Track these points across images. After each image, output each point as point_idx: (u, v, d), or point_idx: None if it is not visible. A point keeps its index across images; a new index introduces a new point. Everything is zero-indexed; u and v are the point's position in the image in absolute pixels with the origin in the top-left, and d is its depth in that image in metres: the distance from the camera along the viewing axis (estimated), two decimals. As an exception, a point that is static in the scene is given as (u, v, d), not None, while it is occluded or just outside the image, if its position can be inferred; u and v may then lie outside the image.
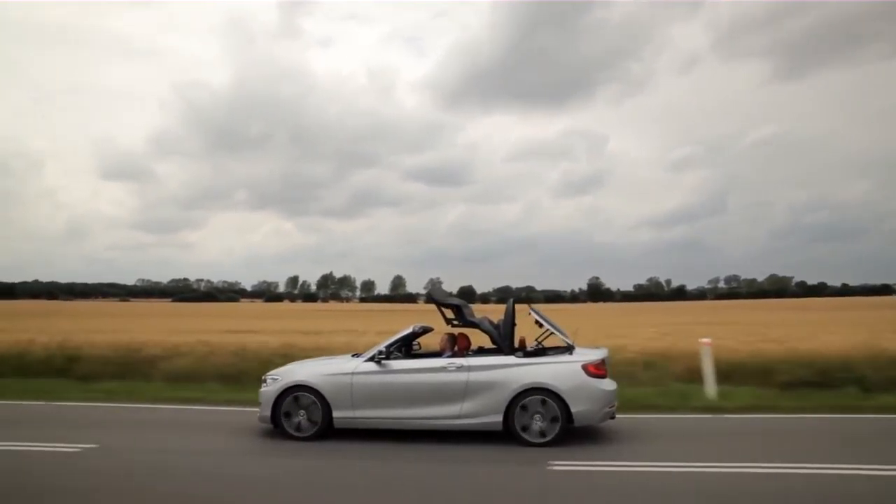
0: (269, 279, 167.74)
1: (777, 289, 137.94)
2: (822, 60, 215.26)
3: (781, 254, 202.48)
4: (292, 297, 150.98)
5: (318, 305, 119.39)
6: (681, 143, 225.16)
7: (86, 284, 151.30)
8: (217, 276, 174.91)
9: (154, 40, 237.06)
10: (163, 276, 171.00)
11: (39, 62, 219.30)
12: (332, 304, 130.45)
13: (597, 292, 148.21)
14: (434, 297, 7.78)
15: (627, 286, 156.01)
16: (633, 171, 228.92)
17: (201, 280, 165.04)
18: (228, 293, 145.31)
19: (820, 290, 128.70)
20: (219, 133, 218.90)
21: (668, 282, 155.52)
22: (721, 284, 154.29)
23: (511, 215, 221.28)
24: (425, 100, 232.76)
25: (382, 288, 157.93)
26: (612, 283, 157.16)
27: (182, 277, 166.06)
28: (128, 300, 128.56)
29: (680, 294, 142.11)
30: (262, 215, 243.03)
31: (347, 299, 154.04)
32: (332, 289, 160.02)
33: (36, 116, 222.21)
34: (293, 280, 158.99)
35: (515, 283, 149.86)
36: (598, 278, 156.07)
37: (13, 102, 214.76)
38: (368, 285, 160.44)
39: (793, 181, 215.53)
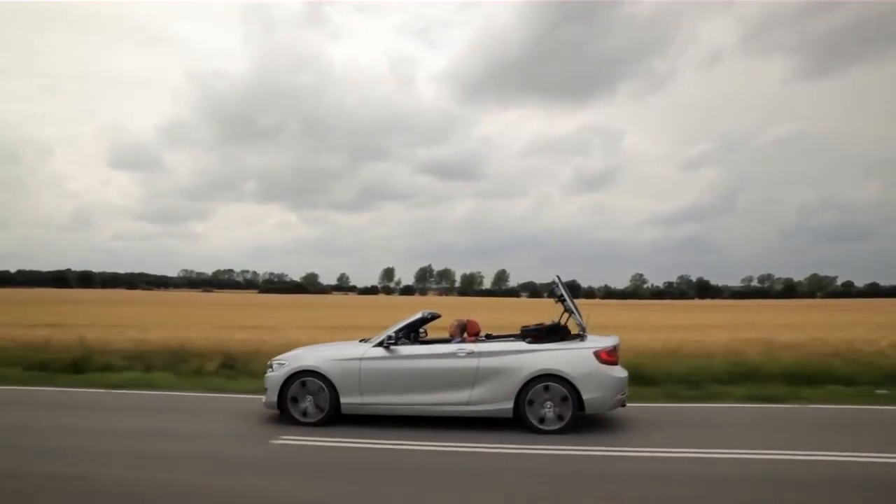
0: (314, 270, 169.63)
1: (817, 288, 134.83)
2: (846, 58, 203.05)
3: (790, 254, 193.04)
4: (388, 290, 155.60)
5: (420, 298, 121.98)
6: (697, 140, 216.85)
7: (117, 274, 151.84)
8: (226, 265, 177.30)
9: (170, 27, 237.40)
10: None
11: (50, 48, 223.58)
12: (432, 297, 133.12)
13: (705, 288, 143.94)
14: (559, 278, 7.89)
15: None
16: (647, 167, 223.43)
17: (246, 271, 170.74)
18: (316, 285, 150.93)
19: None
20: (232, 123, 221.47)
21: (700, 279, 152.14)
22: (755, 283, 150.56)
23: (521, 211, 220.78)
24: (443, 92, 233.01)
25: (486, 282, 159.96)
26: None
27: (227, 269, 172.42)
28: (211, 290, 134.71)
29: (710, 292, 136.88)
30: (270, 207, 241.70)
31: (446, 293, 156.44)
32: (431, 281, 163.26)
33: (46, 103, 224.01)
34: (388, 272, 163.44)
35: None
36: (641, 275, 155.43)
37: (23, 89, 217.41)
38: (469, 279, 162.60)
39: (807, 180, 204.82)
